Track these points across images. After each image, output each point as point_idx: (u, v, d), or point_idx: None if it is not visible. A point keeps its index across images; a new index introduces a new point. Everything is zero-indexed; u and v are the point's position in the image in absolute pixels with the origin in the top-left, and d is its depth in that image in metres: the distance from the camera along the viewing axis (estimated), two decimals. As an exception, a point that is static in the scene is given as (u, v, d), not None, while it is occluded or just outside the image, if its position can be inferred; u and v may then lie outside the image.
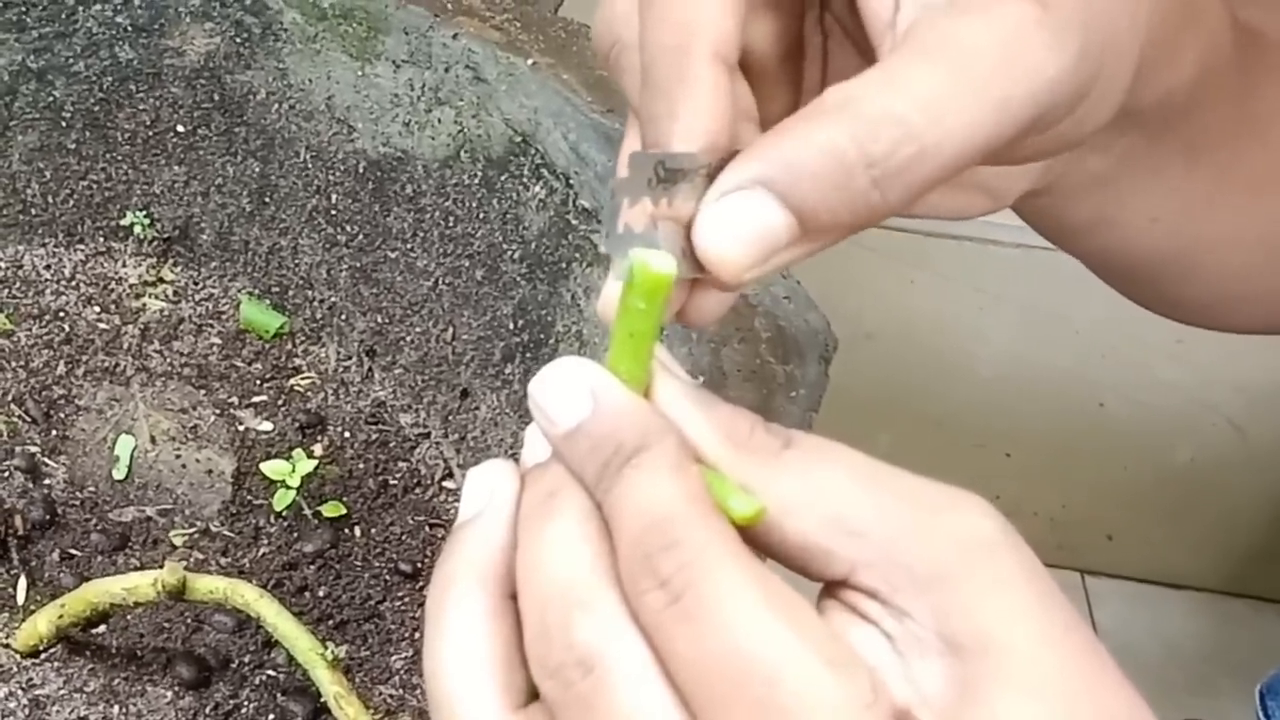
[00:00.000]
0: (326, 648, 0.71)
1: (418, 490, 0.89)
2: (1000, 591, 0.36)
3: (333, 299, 0.95)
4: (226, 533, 0.84)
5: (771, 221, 0.38)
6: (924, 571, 0.36)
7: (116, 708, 0.74)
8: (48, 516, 0.82)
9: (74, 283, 0.95)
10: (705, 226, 0.38)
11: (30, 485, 0.84)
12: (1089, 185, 0.53)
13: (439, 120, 0.89)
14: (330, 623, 0.81)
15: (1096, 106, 0.43)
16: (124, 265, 0.96)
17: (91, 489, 0.85)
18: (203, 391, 0.91)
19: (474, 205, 0.89)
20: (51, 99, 0.93)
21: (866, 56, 0.46)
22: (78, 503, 0.84)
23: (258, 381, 0.93)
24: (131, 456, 0.87)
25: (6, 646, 0.76)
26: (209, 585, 0.71)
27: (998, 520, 0.37)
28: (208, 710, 0.75)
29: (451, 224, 0.90)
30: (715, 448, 0.38)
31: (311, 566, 0.83)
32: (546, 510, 0.38)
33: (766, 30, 0.47)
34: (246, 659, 0.78)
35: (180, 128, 0.95)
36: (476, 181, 0.88)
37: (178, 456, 0.88)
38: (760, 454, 0.38)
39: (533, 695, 0.38)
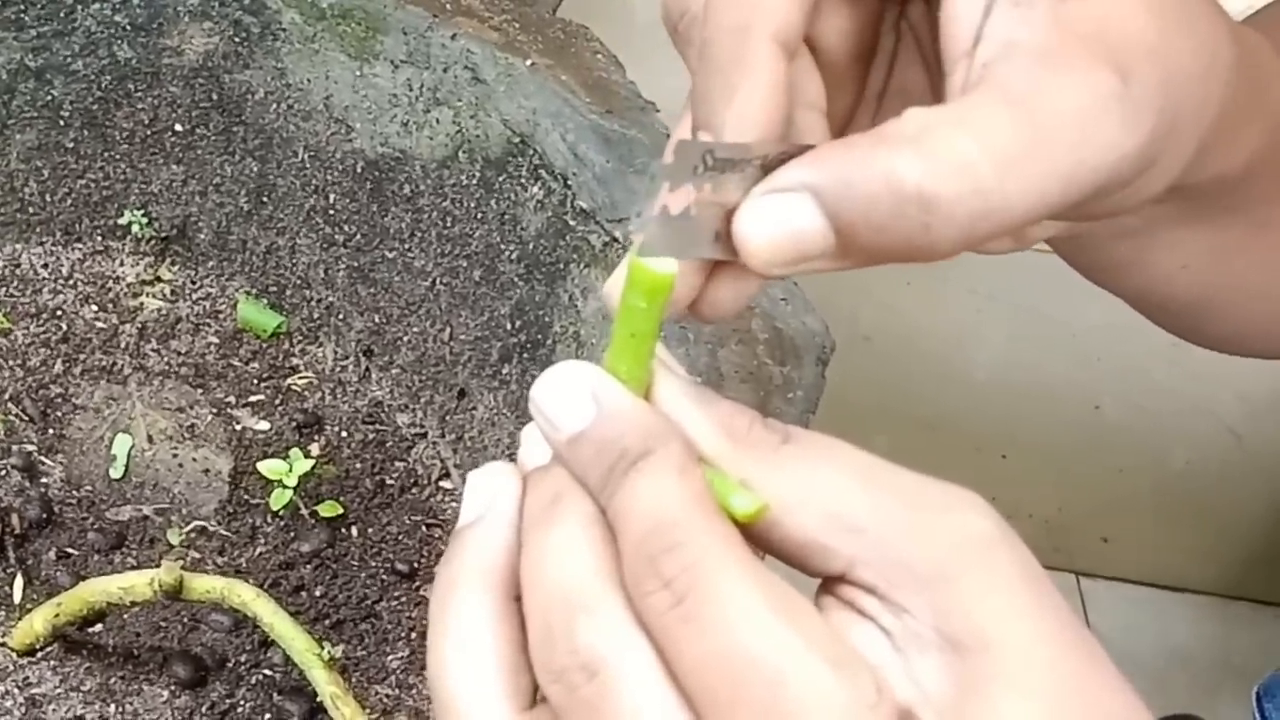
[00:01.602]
0: (323, 647, 0.71)
1: (414, 490, 0.89)
2: (999, 590, 0.36)
3: (330, 299, 0.95)
4: (223, 532, 0.84)
5: (810, 231, 0.38)
6: (923, 568, 0.36)
7: (113, 706, 0.74)
8: (44, 515, 0.82)
9: (71, 281, 0.95)
10: (746, 217, 0.39)
11: (27, 484, 0.83)
12: (1119, 236, 0.53)
13: (437, 120, 0.89)
14: (327, 622, 0.81)
15: (1148, 183, 0.43)
16: (121, 264, 0.96)
17: (88, 488, 0.85)
18: (200, 391, 0.91)
19: (472, 205, 0.89)
20: (50, 98, 0.93)
21: (933, 72, 0.46)
22: (74, 501, 0.84)
23: (255, 381, 0.93)
24: (128, 455, 0.87)
25: (3, 645, 0.76)
26: (206, 585, 0.71)
27: (996, 519, 0.37)
28: (204, 709, 0.75)
29: (449, 224, 0.90)
30: (715, 444, 0.38)
31: (308, 566, 0.83)
32: (550, 515, 0.38)
33: (841, 27, 0.46)
34: (243, 658, 0.78)
35: (178, 127, 0.95)
36: (474, 182, 0.88)
37: (175, 455, 0.88)
38: (759, 450, 0.38)
39: (539, 698, 0.38)
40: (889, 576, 0.36)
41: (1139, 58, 0.40)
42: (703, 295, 0.42)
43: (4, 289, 0.93)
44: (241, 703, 0.76)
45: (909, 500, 0.37)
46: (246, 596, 0.71)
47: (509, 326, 0.88)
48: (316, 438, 0.91)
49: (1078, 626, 0.36)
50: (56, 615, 0.73)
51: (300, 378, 0.94)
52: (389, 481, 0.89)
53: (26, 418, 0.87)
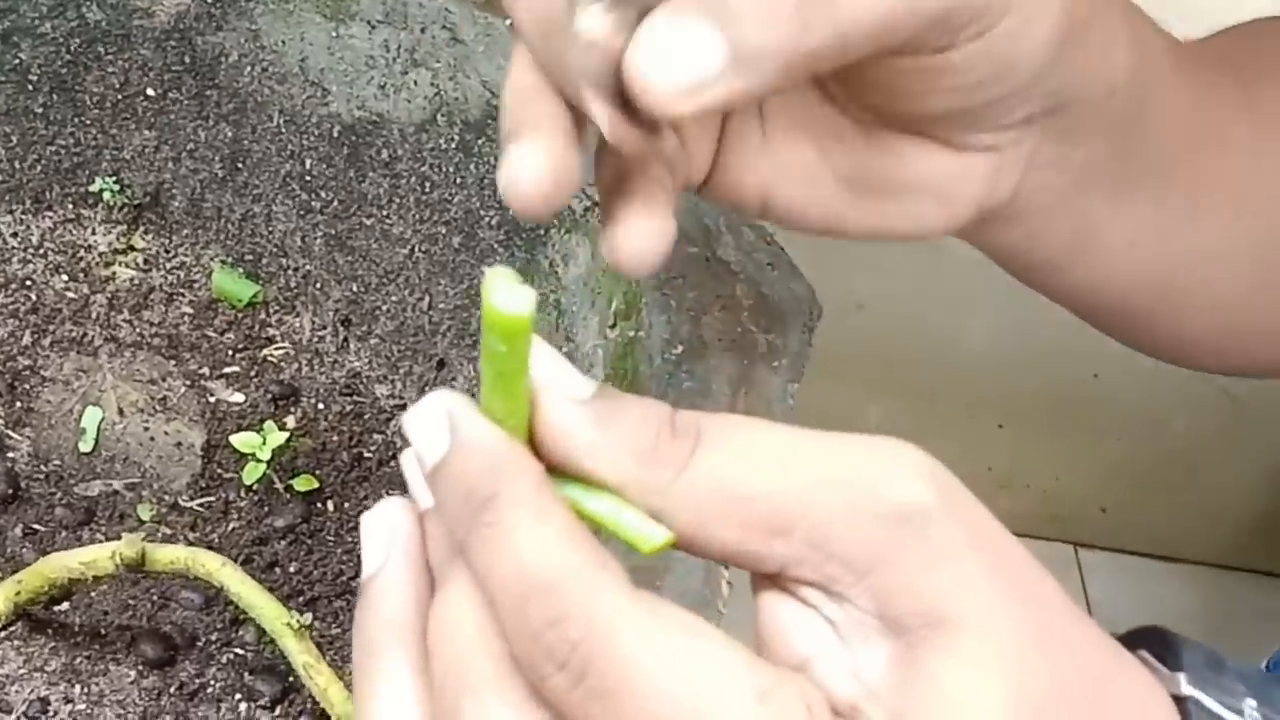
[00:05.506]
0: (292, 614, 0.69)
1: (393, 463, 0.87)
2: (941, 564, 0.33)
3: (307, 267, 0.93)
4: (195, 507, 0.82)
5: (700, 44, 0.38)
6: (858, 557, 0.33)
7: (78, 687, 0.72)
8: (10, 490, 0.80)
9: (41, 250, 0.92)
10: (635, 54, 0.38)
11: (-7, 458, 0.81)
12: (1054, 206, 0.51)
13: (415, 82, 0.86)
14: (301, 599, 0.79)
15: (1026, 27, 0.43)
16: (93, 233, 0.93)
17: (57, 462, 0.83)
18: (173, 362, 0.89)
19: (451, 170, 0.86)
20: (17, 61, 0.91)
21: None
22: (42, 476, 0.82)
23: (229, 352, 0.90)
24: (98, 429, 0.85)
25: (-34, 624, 0.74)
26: (169, 555, 0.69)
27: (935, 483, 0.34)
28: (172, 690, 0.73)
29: (428, 189, 0.88)
30: (617, 470, 0.35)
31: (282, 541, 0.81)
32: (443, 575, 0.36)
33: None
34: (213, 637, 0.76)
35: (150, 91, 0.92)
36: (453, 145, 0.86)
37: (146, 429, 0.85)
38: (667, 467, 0.35)
39: None
40: (824, 572, 0.34)
41: None
42: (616, 245, 0.43)
43: (-28, 258, 0.91)
44: (211, 682, 0.74)
45: (835, 482, 0.34)
46: (211, 566, 0.69)
47: (489, 294, 0.85)
48: (292, 410, 0.88)
49: (1041, 585, 0.34)
50: (18, 593, 0.71)
51: (276, 348, 0.91)
52: (366, 454, 0.87)
53: (-7, 390, 0.85)
